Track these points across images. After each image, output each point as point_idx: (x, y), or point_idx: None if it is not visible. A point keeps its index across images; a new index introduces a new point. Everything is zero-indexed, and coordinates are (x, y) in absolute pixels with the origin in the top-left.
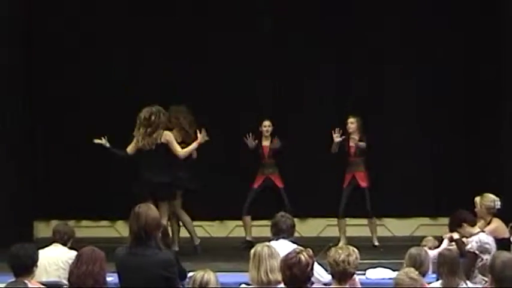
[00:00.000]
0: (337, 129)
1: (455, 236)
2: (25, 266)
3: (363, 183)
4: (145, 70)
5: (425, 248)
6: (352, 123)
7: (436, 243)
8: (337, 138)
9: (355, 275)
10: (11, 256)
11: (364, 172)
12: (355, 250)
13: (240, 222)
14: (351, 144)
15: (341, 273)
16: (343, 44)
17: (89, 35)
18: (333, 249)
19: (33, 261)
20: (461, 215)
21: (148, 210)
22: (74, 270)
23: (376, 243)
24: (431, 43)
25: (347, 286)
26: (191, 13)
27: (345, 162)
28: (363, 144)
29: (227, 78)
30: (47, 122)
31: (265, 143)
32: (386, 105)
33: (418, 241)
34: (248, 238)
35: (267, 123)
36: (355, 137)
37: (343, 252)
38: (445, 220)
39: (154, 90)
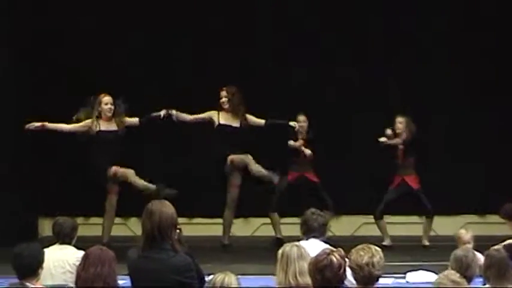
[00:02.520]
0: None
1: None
2: (30, 268)
3: (415, 186)
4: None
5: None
6: (400, 122)
7: (469, 235)
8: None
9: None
10: (15, 256)
11: (414, 175)
12: (378, 249)
13: (266, 220)
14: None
15: (366, 278)
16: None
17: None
18: (353, 251)
19: (39, 262)
20: None
21: (163, 207)
22: (81, 273)
23: (427, 243)
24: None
25: None
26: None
27: (394, 165)
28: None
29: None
30: (52, 112)
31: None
32: (434, 97)
33: None
34: (278, 236)
35: (301, 118)
36: (403, 137)
37: (366, 254)
38: (494, 218)
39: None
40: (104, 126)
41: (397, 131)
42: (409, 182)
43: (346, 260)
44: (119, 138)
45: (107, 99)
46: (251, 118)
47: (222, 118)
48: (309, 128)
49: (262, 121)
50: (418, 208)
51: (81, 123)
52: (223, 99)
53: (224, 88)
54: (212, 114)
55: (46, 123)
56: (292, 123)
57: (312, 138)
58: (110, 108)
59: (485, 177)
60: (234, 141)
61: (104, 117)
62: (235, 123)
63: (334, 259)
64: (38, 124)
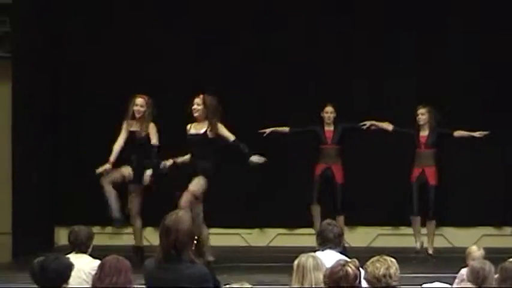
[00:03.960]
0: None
1: None
2: (54, 282)
3: (432, 181)
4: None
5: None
6: (422, 114)
7: (480, 253)
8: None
9: None
10: (40, 269)
11: (434, 167)
12: (393, 260)
13: (281, 230)
14: (421, 134)
15: None
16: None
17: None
18: (369, 264)
19: (67, 276)
20: None
21: (179, 224)
22: (97, 282)
23: (431, 252)
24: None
25: None
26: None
27: (414, 155)
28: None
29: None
30: (71, 121)
31: (328, 128)
32: (455, 106)
33: None
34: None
35: (329, 109)
36: (425, 128)
37: (382, 266)
38: (511, 230)
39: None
40: (134, 126)
41: (420, 123)
42: (427, 176)
43: (361, 270)
44: (142, 139)
45: (138, 100)
46: (222, 130)
47: (192, 128)
48: (337, 119)
49: (231, 138)
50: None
51: (123, 133)
52: (196, 107)
53: (200, 96)
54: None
55: (111, 160)
56: (253, 159)
57: (340, 131)
58: (139, 110)
59: (504, 189)
60: (199, 149)
61: (136, 118)
62: (202, 130)
63: (350, 270)
64: (108, 166)
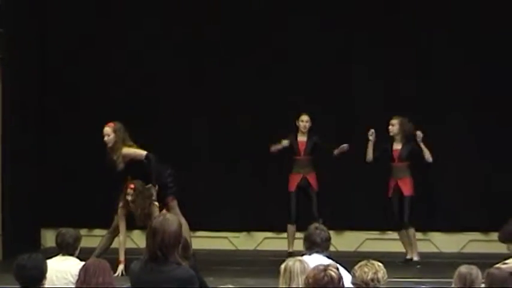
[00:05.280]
0: (371, 131)
1: None
2: (33, 279)
3: (407, 192)
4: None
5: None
6: (393, 125)
7: None
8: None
9: None
10: (18, 268)
11: (409, 178)
12: (381, 265)
13: (269, 234)
14: (394, 147)
15: None
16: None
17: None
18: (356, 269)
19: (42, 273)
20: None
21: (166, 225)
22: (83, 285)
23: (416, 258)
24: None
25: None
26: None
27: (389, 168)
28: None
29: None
30: (58, 124)
31: (302, 138)
32: (440, 112)
33: (467, 258)
34: (290, 250)
35: (305, 117)
36: (398, 140)
37: (370, 270)
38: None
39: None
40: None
41: (390, 134)
42: (401, 187)
43: (347, 274)
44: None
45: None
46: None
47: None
48: (312, 129)
49: None
50: (392, 218)
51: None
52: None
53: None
54: None
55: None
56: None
57: (315, 141)
58: (106, 140)
59: (489, 194)
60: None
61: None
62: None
63: (334, 274)
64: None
